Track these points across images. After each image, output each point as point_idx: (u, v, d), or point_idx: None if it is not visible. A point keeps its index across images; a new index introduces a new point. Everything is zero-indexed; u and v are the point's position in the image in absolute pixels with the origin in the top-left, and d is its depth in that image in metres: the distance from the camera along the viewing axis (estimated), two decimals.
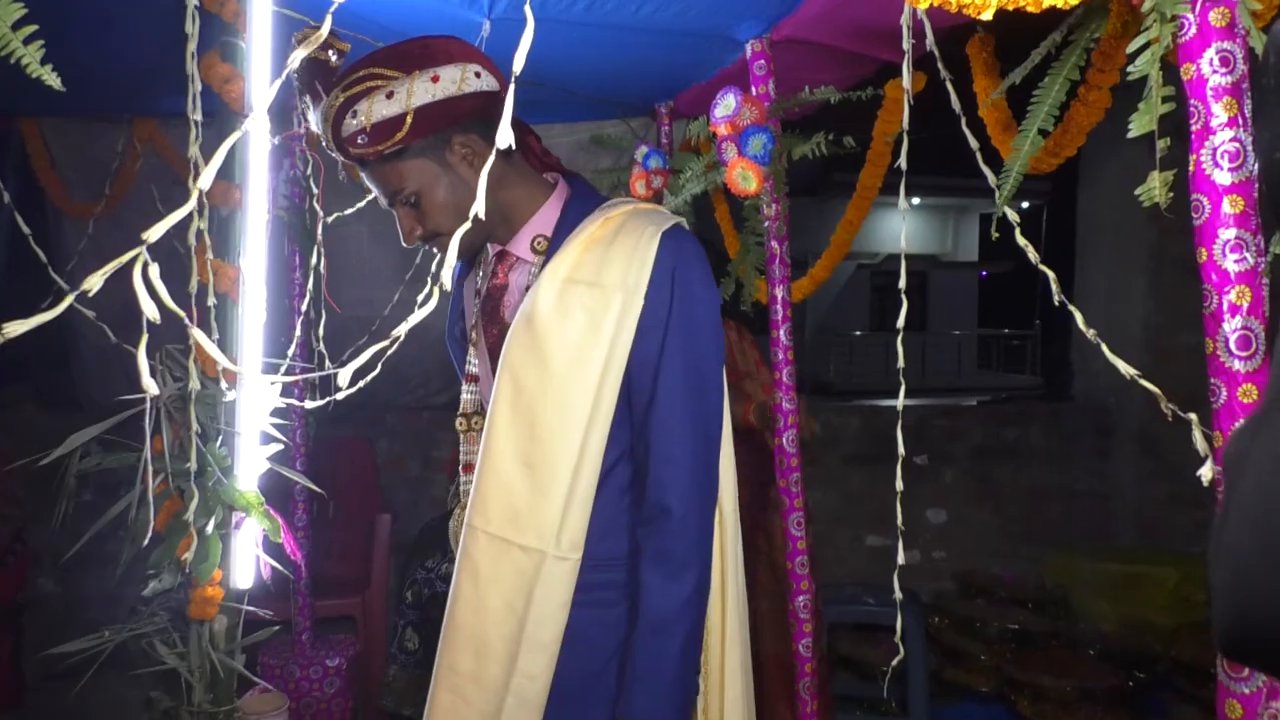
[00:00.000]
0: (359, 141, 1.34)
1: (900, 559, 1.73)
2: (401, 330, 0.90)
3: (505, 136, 0.94)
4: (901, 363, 1.57)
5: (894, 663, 2.00)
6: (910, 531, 4.76)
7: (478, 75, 1.37)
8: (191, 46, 1.73)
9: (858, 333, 17.84)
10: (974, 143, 1.48)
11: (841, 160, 2.47)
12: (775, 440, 2.39)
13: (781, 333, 2.33)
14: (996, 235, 1.47)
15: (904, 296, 1.53)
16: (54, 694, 3.14)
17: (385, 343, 0.90)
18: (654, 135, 3.47)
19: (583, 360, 1.33)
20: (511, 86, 0.97)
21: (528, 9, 0.84)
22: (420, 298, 2.58)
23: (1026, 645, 3.85)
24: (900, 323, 1.54)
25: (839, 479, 4.78)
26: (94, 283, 0.88)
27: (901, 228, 1.57)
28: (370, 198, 2.95)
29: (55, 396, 4.33)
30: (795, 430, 2.34)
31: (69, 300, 0.89)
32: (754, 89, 2.31)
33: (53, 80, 0.90)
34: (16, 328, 0.86)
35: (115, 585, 2.35)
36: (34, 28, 0.87)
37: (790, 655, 2.44)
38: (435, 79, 1.34)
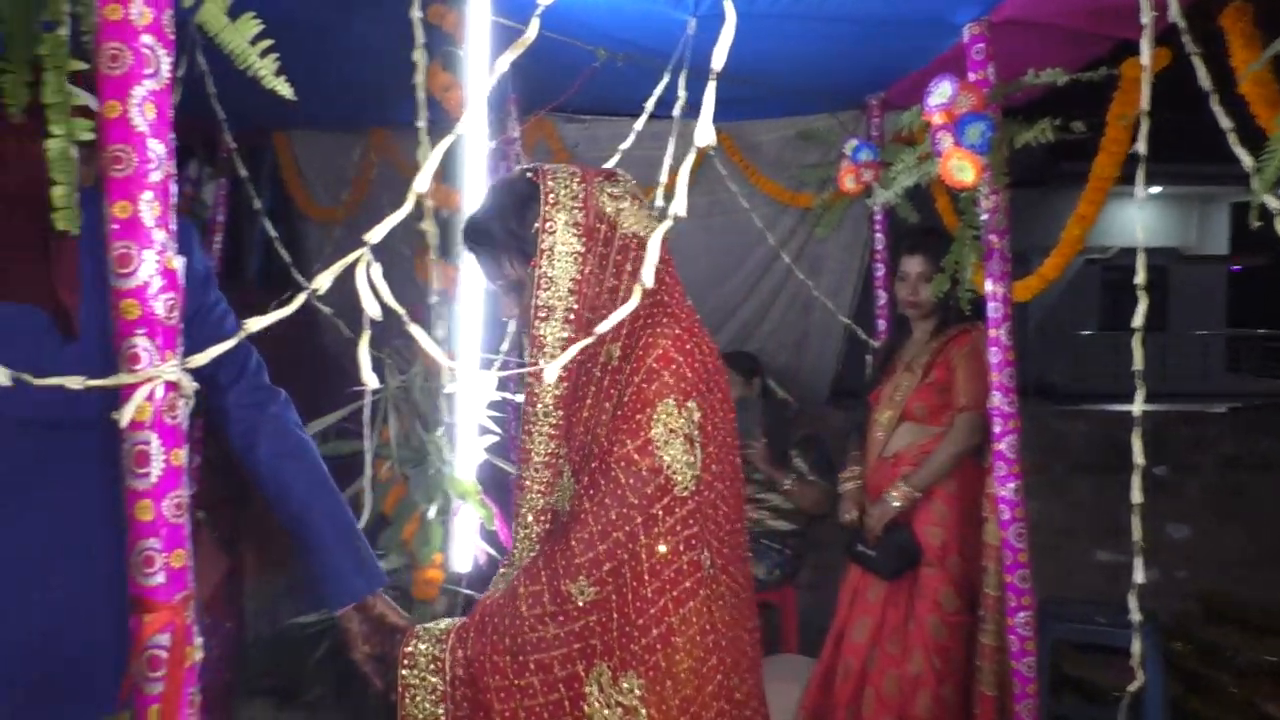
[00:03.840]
0: None
1: (1139, 577, 1.60)
2: (603, 327, 0.90)
3: (706, 134, 0.92)
4: (1139, 364, 1.44)
5: (1131, 688, 1.84)
6: (1147, 547, 4.38)
7: None
8: (417, 56, 1.83)
9: (1086, 332, 16.65)
10: (1227, 123, 1.33)
11: (1070, 148, 2.30)
12: (993, 446, 2.26)
13: (1001, 332, 2.20)
14: (1258, 224, 1.32)
15: (1142, 293, 1.40)
16: (275, 663, 3.36)
17: (589, 339, 0.91)
18: (864, 128, 3.38)
19: None
20: (712, 84, 0.96)
21: (728, 3, 0.82)
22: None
23: None
24: (1138, 321, 1.41)
25: (1065, 489, 4.47)
26: (323, 282, 0.94)
27: (1141, 218, 1.43)
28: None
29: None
30: (1015, 436, 2.20)
31: (302, 298, 0.95)
32: (972, 75, 2.19)
33: (285, 90, 0.98)
34: (257, 323, 0.94)
35: None
36: (269, 42, 0.95)
37: None
38: None
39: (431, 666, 1.36)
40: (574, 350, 0.93)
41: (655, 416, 1.37)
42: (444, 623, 1.41)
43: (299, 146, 4.03)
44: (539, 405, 1.44)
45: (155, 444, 0.97)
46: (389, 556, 2.24)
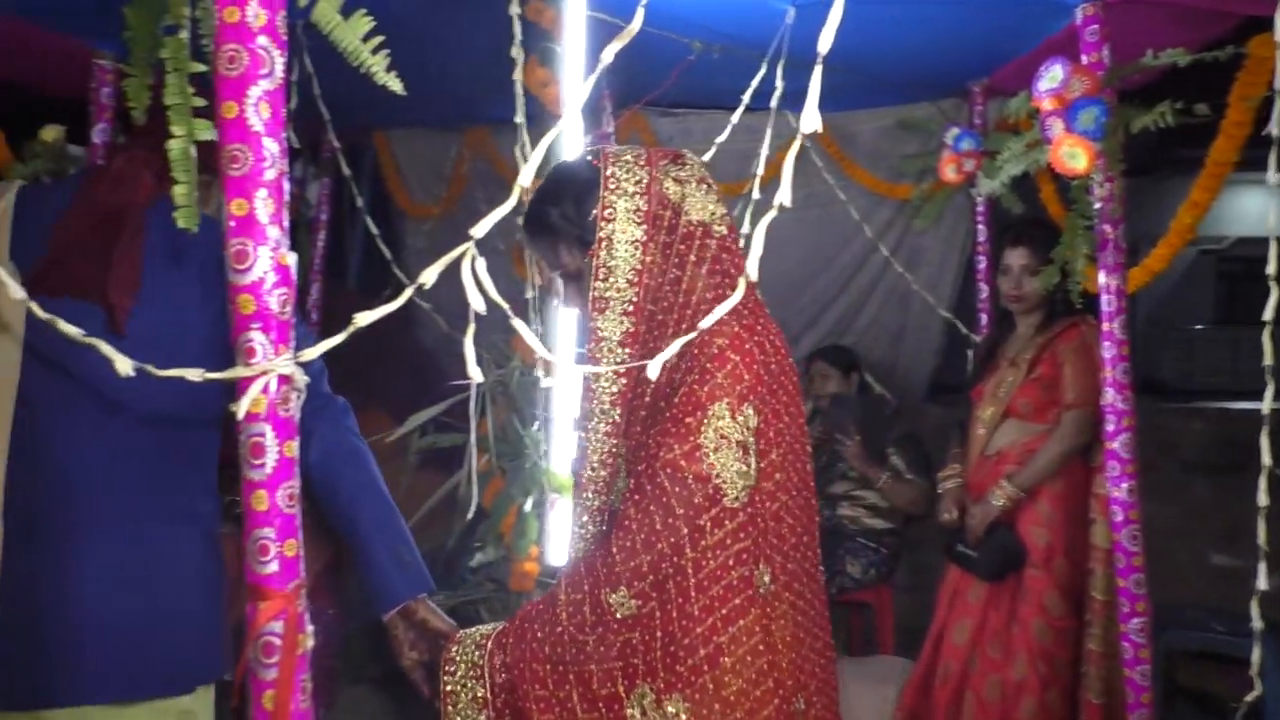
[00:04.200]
0: None
1: (1262, 583, 1.52)
2: (706, 322, 0.89)
3: (812, 121, 0.90)
4: (1270, 359, 1.36)
5: (1249, 699, 1.76)
6: (1270, 552, 4.17)
7: None
8: (515, 53, 1.84)
9: (1198, 326, 15.91)
10: None
11: (1182, 133, 2.19)
12: (1106, 445, 2.17)
13: (1115, 326, 2.11)
14: None
15: (1274, 284, 1.32)
16: (379, 651, 3.42)
17: (691, 335, 0.90)
18: (965, 116, 3.28)
19: None
20: (818, 70, 0.94)
21: None
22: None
23: None
24: (1269, 313, 1.33)
25: (1178, 490, 4.27)
26: (429, 277, 0.95)
27: (1275, 204, 1.36)
28: None
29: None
30: (1130, 434, 2.11)
31: (409, 292, 0.96)
32: (1085, 57, 2.11)
33: (395, 85, 1.00)
34: (366, 318, 0.95)
35: (448, 555, 2.58)
36: (380, 39, 0.97)
37: None
38: None
39: (473, 673, 1.32)
40: (678, 345, 0.92)
41: (706, 420, 1.28)
42: (485, 628, 1.36)
43: (398, 145, 4.12)
44: (596, 403, 1.38)
45: (270, 436, 0.99)
46: (486, 549, 2.28)
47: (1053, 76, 1.93)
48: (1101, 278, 2.13)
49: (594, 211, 1.35)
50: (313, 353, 0.97)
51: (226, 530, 3.28)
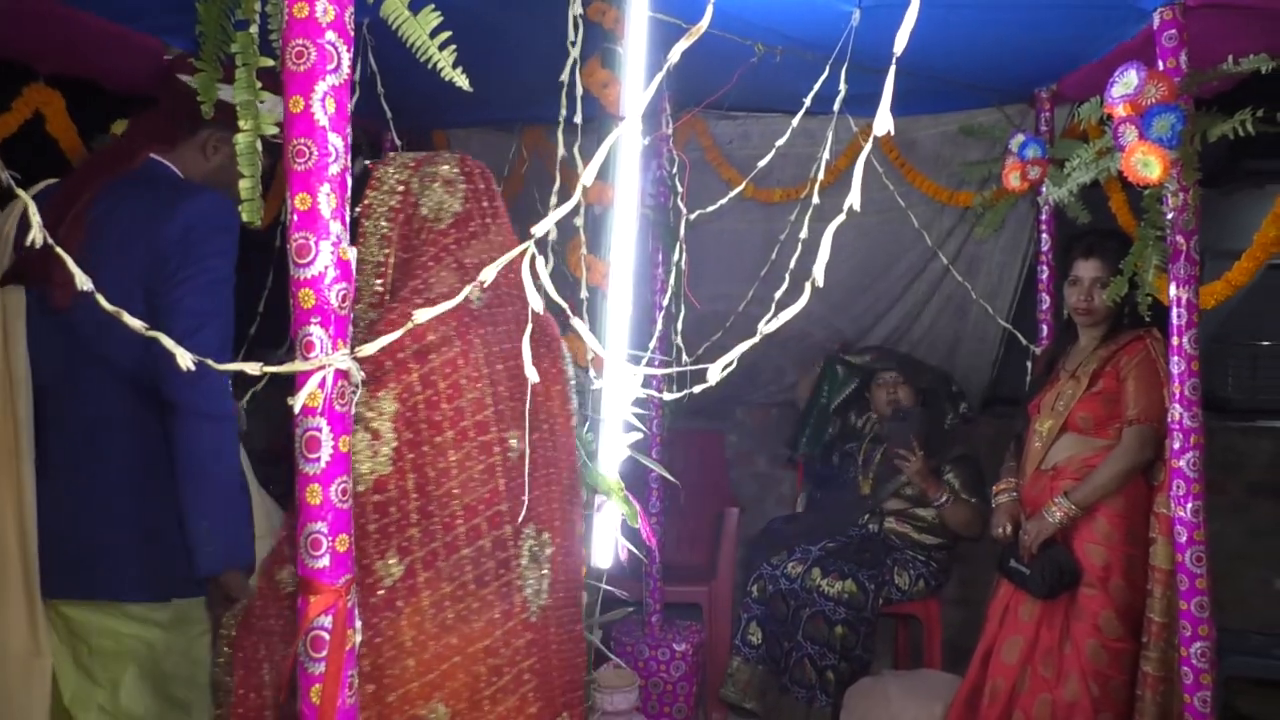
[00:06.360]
0: None
1: None
2: (768, 327, 0.87)
3: (884, 122, 0.88)
4: None
5: None
6: None
7: None
8: (574, 54, 1.84)
9: (1265, 342, 15.45)
10: None
11: (1254, 144, 2.12)
12: (1171, 463, 2.11)
13: (1185, 340, 2.04)
14: None
15: None
16: None
17: (753, 340, 0.89)
18: (1031, 122, 3.22)
19: None
20: (891, 72, 0.92)
21: None
22: (778, 295, 2.56)
23: None
24: None
25: (1243, 511, 4.15)
26: (489, 274, 0.94)
27: None
28: (733, 194, 2.99)
29: None
30: (1197, 452, 2.04)
31: (469, 289, 0.96)
32: (1161, 63, 2.04)
33: (461, 81, 1.00)
34: (424, 313, 0.95)
35: None
36: (447, 34, 0.97)
37: None
38: None
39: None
40: (738, 351, 0.90)
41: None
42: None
43: (456, 144, 4.14)
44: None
45: (325, 430, 0.99)
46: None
47: (1127, 82, 1.88)
48: (1173, 290, 2.07)
49: (358, 209, 1.46)
50: (371, 348, 0.97)
51: None
